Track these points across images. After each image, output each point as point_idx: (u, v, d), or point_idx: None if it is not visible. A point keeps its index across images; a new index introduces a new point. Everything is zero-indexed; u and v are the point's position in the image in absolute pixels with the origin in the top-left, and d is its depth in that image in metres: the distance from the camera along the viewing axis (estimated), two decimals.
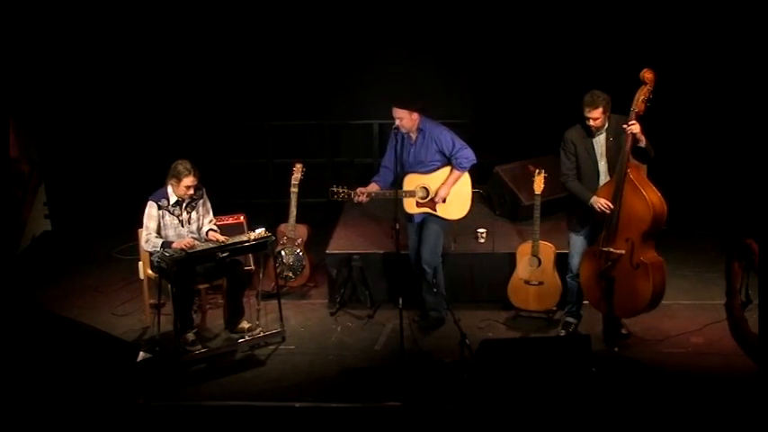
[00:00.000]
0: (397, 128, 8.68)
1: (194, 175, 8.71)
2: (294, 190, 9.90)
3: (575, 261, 8.68)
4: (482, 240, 9.92)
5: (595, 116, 8.20)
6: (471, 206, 9.06)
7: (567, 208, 8.80)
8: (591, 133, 8.34)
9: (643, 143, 8.06)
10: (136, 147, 12.28)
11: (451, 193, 8.90)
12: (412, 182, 8.90)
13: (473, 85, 11.95)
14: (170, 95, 12.25)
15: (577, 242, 8.65)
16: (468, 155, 8.83)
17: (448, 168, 8.89)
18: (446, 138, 8.85)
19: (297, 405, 7.74)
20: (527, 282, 9.14)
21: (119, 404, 7.17)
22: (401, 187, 8.83)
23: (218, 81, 12.21)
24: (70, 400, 6.79)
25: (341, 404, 7.75)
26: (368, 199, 8.88)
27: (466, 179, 8.96)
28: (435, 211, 8.93)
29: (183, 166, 8.71)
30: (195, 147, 11.79)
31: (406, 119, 8.70)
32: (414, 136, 8.87)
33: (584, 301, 8.84)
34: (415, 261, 9.14)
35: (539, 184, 9.01)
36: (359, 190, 8.86)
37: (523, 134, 11.77)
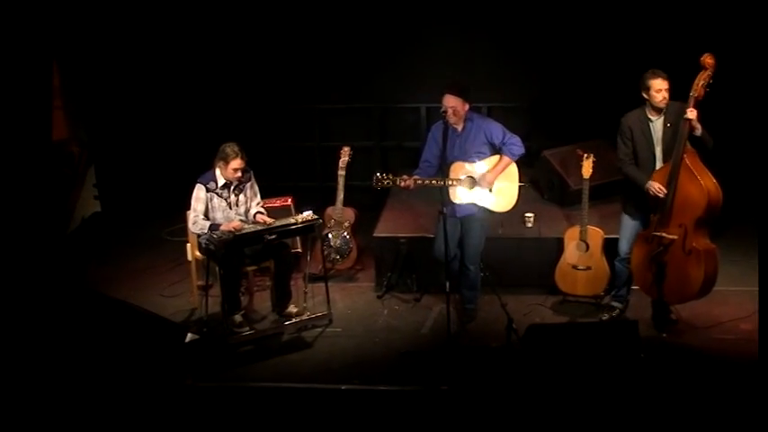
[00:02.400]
0: (444, 121, 8.50)
1: (242, 158, 8.73)
2: (341, 173, 9.91)
3: (624, 245, 8.64)
4: (530, 225, 9.88)
5: (667, 87, 8.11)
6: (517, 201, 8.90)
7: (623, 192, 8.72)
8: (650, 118, 8.27)
9: (698, 132, 7.99)
10: (185, 128, 12.34)
11: (498, 186, 8.75)
12: (458, 170, 8.68)
13: (522, 70, 11.88)
14: (220, 78, 12.31)
15: (629, 226, 8.59)
16: (517, 142, 8.68)
17: (496, 157, 8.76)
18: (496, 128, 8.72)
19: (343, 387, 7.77)
20: (575, 267, 9.10)
21: (167, 385, 7.21)
22: (447, 176, 8.68)
23: (267, 65, 12.26)
24: (120, 380, 6.84)
25: (387, 387, 7.78)
26: (413, 185, 8.59)
27: (513, 172, 8.79)
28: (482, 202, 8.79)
29: (230, 148, 8.73)
30: (244, 130, 11.85)
31: (458, 107, 8.51)
32: (460, 127, 8.69)
33: (633, 287, 8.80)
34: (446, 254, 8.67)
35: (587, 168, 8.95)
36: (404, 176, 8.62)
37: (572, 118, 11.71)
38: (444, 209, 8.31)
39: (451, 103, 8.51)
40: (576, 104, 11.72)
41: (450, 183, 8.59)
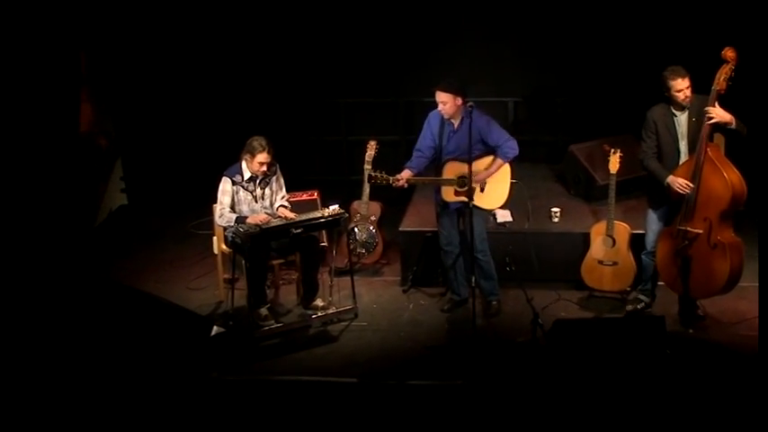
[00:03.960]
0: (438, 113, 8.65)
1: (268, 152, 8.73)
2: (368, 167, 9.89)
3: (650, 238, 8.63)
4: (556, 220, 9.86)
5: (687, 85, 8.10)
6: (508, 198, 8.95)
7: (648, 185, 8.71)
8: (674, 112, 8.26)
9: (733, 125, 7.98)
10: (212, 122, 12.37)
11: (490, 185, 8.78)
12: (452, 170, 8.72)
13: (549, 63, 11.85)
14: (248, 72, 12.33)
15: (654, 219, 8.58)
16: (514, 146, 8.68)
17: (490, 157, 8.75)
18: (492, 129, 8.70)
19: (369, 382, 7.79)
20: (601, 262, 9.08)
21: (193, 378, 7.26)
22: (441, 174, 8.76)
23: (294, 58, 12.26)
24: (145, 372, 6.88)
25: (413, 381, 7.79)
26: (407, 185, 8.80)
27: (506, 170, 8.81)
28: (472, 200, 8.70)
29: (257, 142, 8.73)
30: (270, 123, 11.83)
31: (449, 104, 8.55)
32: (456, 123, 8.70)
33: (660, 282, 8.78)
34: (451, 248, 9.03)
35: (614, 163, 8.94)
36: (398, 176, 8.72)
37: (600, 113, 11.67)
38: (471, 203, 8.39)
39: (442, 98, 8.59)
40: (603, 99, 11.68)
41: (442, 183, 8.68)
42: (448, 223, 8.98)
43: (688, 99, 8.16)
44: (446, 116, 8.64)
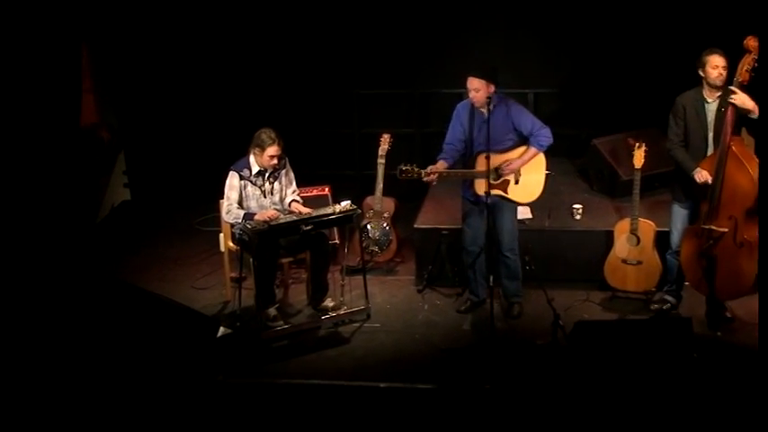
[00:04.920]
0: (466, 103, 8.65)
1: (278, 145, 8.73)
2: (381, 161, 9.89)
3: (675, 236, 8.61)
4: (578, 217, 9.85)
5: (724, 64, 8.08)
6: (543, 191, 8.93)
7: (673, 178, 8.69)
8: (706, 99, 8.23)
9: (755, 114, 7.96)
10: (218, 114, 12.38)
11: (525, 176, 8.77)
12: (483, 162, 8.51)
13: (571, 53, 11.83)
14: (256, 62, 12.34)
15: (680, 215, 8.56)
16: (548, 134, 8.64)
17: (523, 147, 8.73)
18: (524, 117, 8.69)
19: (382, 385, 7.79)
20: (625, 261, 9.05)
21: (198, 381, 7.25)
22: (473, 166, 8.70)
23: (305, 48, 12.26)
24: (148, 374, 6.88)
25: (427, 385, 7.78)
26: (438, 179, 8.65)
27: (540, 161, 8.79)
28: (507, 193, 8.76)
29: (266, 134, 8.73)
30: (280, 115, 11.84)
31: (482, 91, 8.46)
32: (486, 111, 8.59)
33: (686, 282, 8.76)
34: (475, 247, 8.99)
35: (639, 158, 8.90)
36: (429, 168, 8.63)
37: (624, 105, 11.64)
38: (488, 198, 8.34)
39: (474, 85, 8.49)
40: (628, 90, 11.64)
41: (475, 174, 8.62)
42: (475, 221, 8.87)
43: (721, 78, 8.11)
44: (477, 104, 8.55)
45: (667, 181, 9.29)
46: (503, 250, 8.86)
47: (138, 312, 7.07)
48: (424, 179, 8.60)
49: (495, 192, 8.64)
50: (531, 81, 11.80)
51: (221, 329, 8.47)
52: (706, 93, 8.24)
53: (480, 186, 8.63)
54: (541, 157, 8.77)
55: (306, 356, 8.46)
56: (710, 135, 8.26)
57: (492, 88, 8.51)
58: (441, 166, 8.67)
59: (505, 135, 8.61)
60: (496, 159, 8.58)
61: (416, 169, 8.54)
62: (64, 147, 10.53)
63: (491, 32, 11.76)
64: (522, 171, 8.74)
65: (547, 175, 8.87)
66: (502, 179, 8.67)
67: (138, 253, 10.90)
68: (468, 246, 9.00)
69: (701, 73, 8.19)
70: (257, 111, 11.97)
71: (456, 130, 8.80)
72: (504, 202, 8.80)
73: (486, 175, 8.29)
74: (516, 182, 8.76)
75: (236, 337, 8.64)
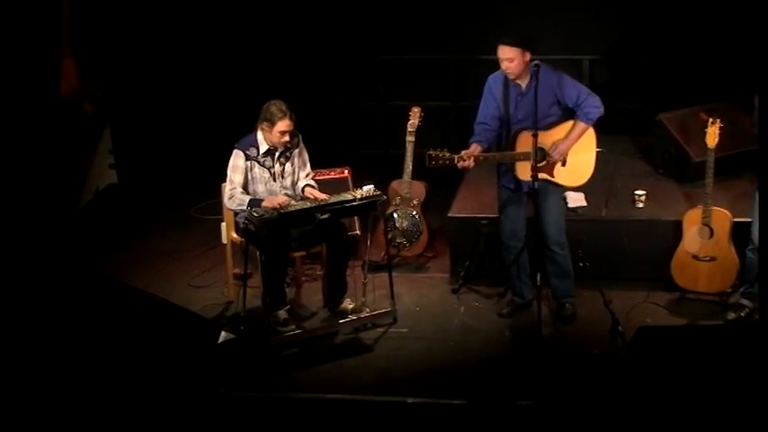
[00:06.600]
0: (499, 75, 8.69)
1: (290, 119, 8.74)
2: (410, 139, 9.93)
3: (757, 229, 8.58)
4: (640, 205, 9.86)
5: None
6: (594, 172, 8.96)
7: (758, 160, 8.66)
8: None
9: None
10: (219, 83, 12.42)
11: (572, 157, 8.78)
12: (526, 141, 8.58)
13: (632, 14, 11.81)
14: (264, 24, 12.35)
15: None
16: (596, 103, 8.65)
17: (569, 123, 8.76)
18: (568, 86, 8.70)
19: (409, 401, 7.83)
20: (696, 257, 9.07)
21: (196, 394, 7.30)
22: (512, 147, 8.71)
23: (319, 6, 12.28)
24: (139, 386, 6.93)
25: (463, 401, 7.81)
26: (474, 164, 8.65)
27: (590, 137, 8.81)
28: (553, 177, 8.80)
29: (276, 107, 8.74)
30: (291, 84, 11.89)
31: (517, 60, 8.50)
32: (523, 84, 8.68)
33: None
34: (516, 242, 9.03)
35: (712, 136, 8.90)
36: (463, 153, 8.63)
37: (695, 74, 11.63)
38: (536, 184, 8.39)
39: (508, 54, 8.52)
40: (700, 57, 11.62)
41: (516, 156, 8.64)
42: (515, 212, 8.93)
43: None
44: (512, 76, 8.60)
45: (747, 163, 9.28)
46: (549, 244, 8.89)
47: (126, 315, 7.11)
48: (459, 165, 8.61)
49: (540, 176, 8.63)
50: (587, 45, 11.79)
51: (223, 334, 8.51)
52: None
53: (523, 171, 8.67)
54: (591, 133, 8.80)
55: (321, 367, 8.52)
56: None
57: (528, 56, 8.54)
58: (475, 149, 8.68)
59: (548, 109, 8.63)
60: (540, 138, 8.55)
61: (448, 155, 8.56)
62: (39, 121, 10.58)
63: None
64: (570, 150, 8.78)
65: (597, 152, 8.88)
66: (547, 161, 8.70)
67: (126, 245, 10.97)
68: (508, 241, 9.04)
69: None
70: (265, 79, 12.02)
71: (489, 107, 8.82)
72: (549, 187, 8.82)
73: (534, 155, 8.34)
74: (563, 163, 8.79)
75: (240, 343, 8.69)
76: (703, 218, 8.96)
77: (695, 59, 11.65)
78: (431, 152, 8.58)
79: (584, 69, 11.83)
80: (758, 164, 7.63)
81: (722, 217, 8.96)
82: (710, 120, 8.97)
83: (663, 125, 10.64)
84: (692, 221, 9.08)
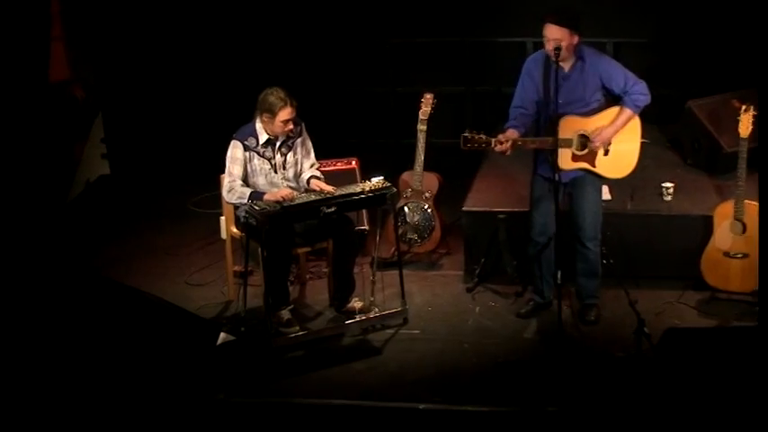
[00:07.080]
0: (538, 57, 8.66)
1: (292, 106, 8.72)
2: (422, 128, 9.90)
3: None
4: (668, 198, 9.83)
5: None
6: (637, 164, 8.92)
7: None
8: None
9: None
10: (217, 68, 12.39)
11: (616, 146, 8.73)
12: (569, 126, 8.60)
13: None
14: (263, 4, 12.32)
15: None
16: (644, 89, 8.63)
17: (615, 109, 8.70)
18: (616, 70, 8.68)
19: (421, 407, 7.79)
20: (727, 254, 9.03)
21: (194, 399, 7.27)
22: (551, 134, 8.58)
23: None
24: (133, 391, 6.90)
25: (479, 407, 7.77)
26: (512, 149, 8.60)
27: (635, 126, 8.77)
28: (594, 166, 8.75)
29: (275, 95, 8.71)
30: (293, 69, 11.86)
31: (565, 41, 8.44)
32: (567, 66, 8.64)
33: None
34: (544, 238, 8.95)
35: (746, 124, 8.87)
36: (501, 136, 8.59)
37: (727, 60, 11.57)
38: (557, 175, 8.36)
39: (555, 34, 8.44)
40: (733, 41, 11.56)
41: (558, 144, 8.54)
42: (548, 207, 8.79)
43: None
44: (559, 59, 8.47)
45: None
46: (583, 240, 8.85)
47: (119, 315, 7.08)
48: (496, 149, 8.57)
49: (579, 165, 8.69)
50: (611, 27, 11.74)
51: (222, 336, 8.51)
52: None
53: (564, 159, 8.64)
54: (636, 122, 8.76)
55: (326, 370, 8.48)
56: None
57: (576, 39, 8.51)
58: (511, 134, 8.63)
59: (592, 95, 8.62)
60: (582, 124, 8.61)
61: (485, 137, 8.52)
62: (26, 107, 10.57)
63: None
64: (613, 139, 8.70)
65: (642, 143, 8.84)
66: (588, 150, 8.62)
67: (118, 240, 10.99)
68: (537, 236, 8.96)
69: None
70: (266, 63, 11.98)
71: (528, 90, 8.77)
72: (588, 178, 8.80)
73: (576, 142, 8.32)
74: (606, 152, 8.72)
75: (240, 345, 8.67)
76: (735, 212, 8.93)
77: (728, 43, 11.58)
78: (466, 134, 8.54)
79: (608, 53, 11.75)
80: (759, 164, 7.63)
81: (755, 211, 8.89)
82: (743, 107, 8.94)
83: (692, 113, 10.60)
84: (723, 216, 9.04)
